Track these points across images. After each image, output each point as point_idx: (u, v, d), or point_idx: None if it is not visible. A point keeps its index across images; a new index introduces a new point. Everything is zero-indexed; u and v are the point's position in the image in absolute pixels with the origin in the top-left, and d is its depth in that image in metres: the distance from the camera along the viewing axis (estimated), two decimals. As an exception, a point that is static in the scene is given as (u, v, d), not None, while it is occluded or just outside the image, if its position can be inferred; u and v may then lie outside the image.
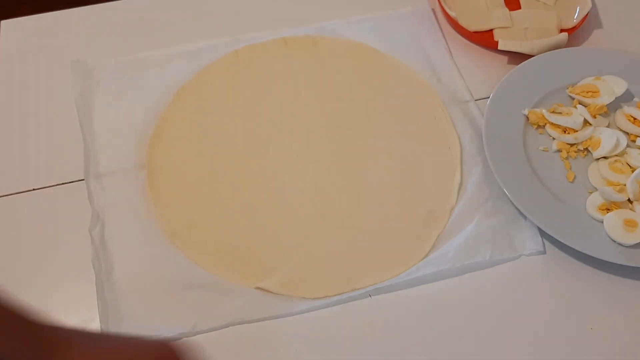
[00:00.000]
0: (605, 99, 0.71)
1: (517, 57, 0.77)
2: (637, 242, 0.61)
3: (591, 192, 0.66)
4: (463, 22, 0.79)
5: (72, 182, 0.67)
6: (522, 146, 0.69)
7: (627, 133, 0.70)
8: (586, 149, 0.69)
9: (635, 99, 0.73)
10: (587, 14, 0.79)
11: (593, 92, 0.72)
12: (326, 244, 0.63)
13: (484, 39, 0.79)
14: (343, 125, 0.72)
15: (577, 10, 0.81)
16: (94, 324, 0.58)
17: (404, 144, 0.70)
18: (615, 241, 0.62)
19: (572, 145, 0.69)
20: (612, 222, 0.62)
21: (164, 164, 0.68)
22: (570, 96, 0.73)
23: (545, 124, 0.70)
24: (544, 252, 0.63)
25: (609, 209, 0.64)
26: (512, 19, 0.81)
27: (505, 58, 0.79)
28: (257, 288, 0.60)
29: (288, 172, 0.68)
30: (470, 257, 0.62)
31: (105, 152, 0.69)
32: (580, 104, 0.72)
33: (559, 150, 0.69)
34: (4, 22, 0.81)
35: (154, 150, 0.69)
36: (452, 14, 0.79)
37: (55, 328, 0.42)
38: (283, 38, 0.79)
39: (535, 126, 0.71)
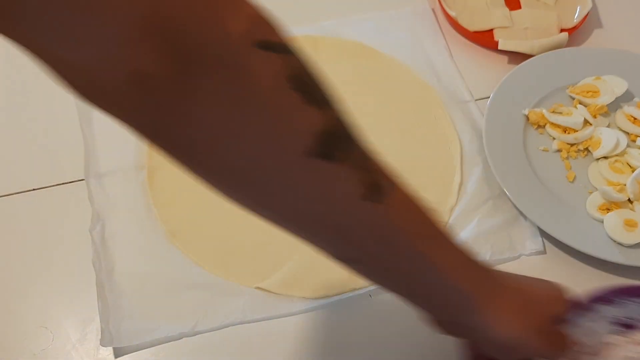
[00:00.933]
0: (605, 99, 0.71)
1: (517, 57, 0.77)
2: (637, 242, 0.61)
3: (591, 192, 0.66)
4: (463, 22, 0.79)
5: (72, 182, 0.67)
6: (522, 146, 0.69)
7: (627, 133, 0.70)
8: (586, 149, 0.69)
9: (635, 99, 0.73)
10: (587, 14, 0.79)
11: (593, 92, 0.72)
12: (326, 244, 0.63)
13: (484, 39, 0.79)
14: (343, 125, 0.72)
15: (577, 10, 0.81)
16: (94, 324, 0.58)
17: (403, 143, 0.70)
18: (615, 241, 0.62)
19: (572, 145, 0.69)
20: (612, 222, 0.62)
21: (164, 164, 0.68)
22: (570, 96, 0.73)
23: (546, 124, 0.70)
24: (544, 252, 0.63)
25: (609, 209, 0.64)
26: (512, 19, 0.81)
27: (505, 58, 0.79)
28: (257, 288, 0.60)
29: (288, 172, 0.68)
30: (470, 257, 0.62)
31: (106, 152, 0.69)
32: (580, 104, 0.72)
33: (559, 150, 0.69)
34: (4, 22, 0.81)
35: (154, 150, 0.69)
36: (452, 14, 0.79)
37: (490, 270, 0.45)
38: (283, 38, 0.79)
39: (536, 126, 0.71)
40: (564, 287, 0.49)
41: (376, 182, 0.35)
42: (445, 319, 0.45)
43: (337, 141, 0.33)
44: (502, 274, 0.47)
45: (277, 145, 0.31)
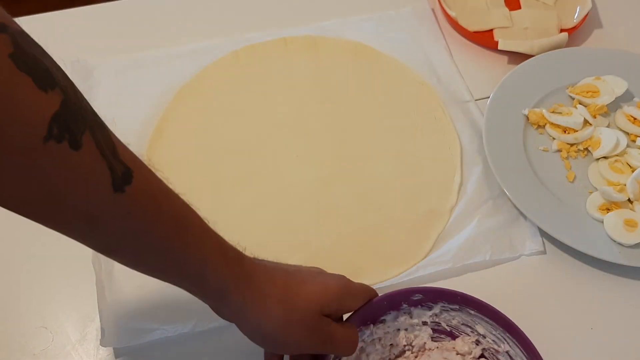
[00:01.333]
0: (605, 99, 0.71)
1: (517, 57, 0.77)
2: (637, 242, 0.61)
3: (591, 192, 0.66)
4: (463, 22, 0.79)
5: (72, 182, 0.67)
6: (522, 146, 0.69)
7: (627, 133, 0.70)
8: (586, 149, 0.69)
9: (635, 99, 0.73)
10: (587, 14, 0.79)
11: (593, 92, 0.72)
12: (326, 244, 0.63)
13: (484, 39, 0.79)
14: (343, 125, 0.72)
15: (577, 10, 0.81)
16: (94, 324, 0.58)
17: (403, 144, 0.70)
18: (615, 241, 0.62)
19: (572, 145, 0.69)
20: (612, 222, 0.62)
21: (164, 164, 0.68)
22: (570, 96, 0.73)
23: (546, 124, 0.70)
24: (544, 252, 0.63)
25: (609, 209, 0.64)
26: (512, 19, 0.81)
27: (505, 58, 0.79)
28: (257, 288, 0.60)
29: (288, 172, 0.68)
30: (470, 257, 0.62)
31: (105, 152, 0.69)
32: (580, 104, 0.72)
33: (559, 150, 0.69)
34: (4, 22, 0.81)
35: (154, 150, 0.69)
36: (452, 14, 0.79)
37: (253, 259, 0.46)
38: (283, 38, 0.79)
39: (535, 126, 0.71)
40: (352, 284, 0.49)
41: (120, 170, 0.35)
42: (213, 307, 0.45)
43: (72, 124, 0.32)
44: (265, 264, 0.47)
45: (10, 132, 0.29)
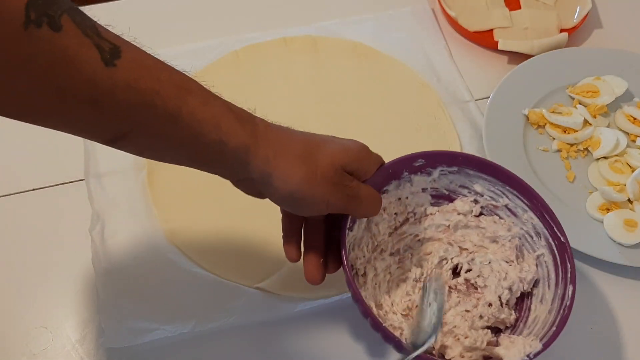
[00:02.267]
0: (605, 99, 0.71)
1: (517, 57, 0.77)
2: (637, 242, 0.61)
3: (591, 192, 0.66)
4: (463, 22, 0.79)
5: (72, 182, 0.67)
6: (522, 146, 0.69)
7: (627, 133, 0.70)
8: (586, 149, 0.69)
9: (635, 99, 0.73)
10: (587, 14, 0.79)
11: (593, 92, 0.72)
12: (326, 244, 0.63)
13: (484, 39, 0.79)
14: (343, 125, 0.71)
15: (577, 10, 0.81)
16: (94, 324, 0.58)
17: (404, 144, 0.70)
18: (615, 241, 0.62)
19: (572, 145, 0.69)
20: (612, 222, 0.62)
21: (164, 164, 0.68)
22: (570, 96, 0.73)
23: (545, 123, 0.70)
24: (544, 252, 0.63)
25: (609, 209, 0.64)
26: (512, 19, 0.81)
27: (505, 58, 0.79)
28: (257, 288, 0.60)
29: (288, 172, 0.68)
30: (470, 257, 0.62)
31: (105, 152, 0.68)
32: (580, 104, 0.72)
33: (559, 150, 0.69)
34: (4, 22, 0.81)
35: (154, 150, 0.69)
36: (452, 14, 0.79)
37: (266, 121, 0.45)
38: (283, 38, 0.79)
39: (535, 126, 0.71)
40: (366, 147, 0.49)
41: (106, 46, 0.35)
42: (235, 178, 0.45)
43: (48, 8, 0.32)
44: (279, 125, 0.46)
45: None
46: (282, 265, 0.61)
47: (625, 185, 0.64)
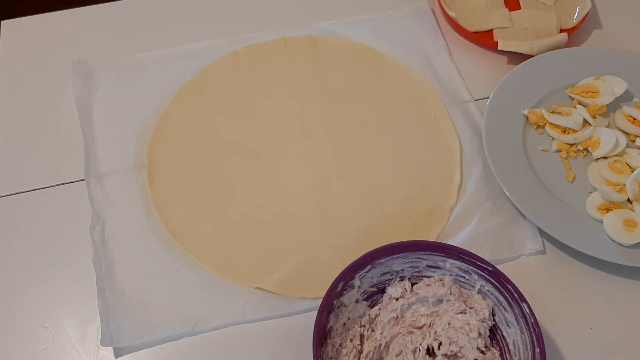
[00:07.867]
0: (605, 99, 0.71)
1: (517, 57, 0.77)
2: (637, 242, 0.61)
3: (591, 192, 0.66)
4: (463, 22, 0.79)
5: (72, 182, 0.67)
6: (522, 146, 0.69)
7: (626, 133, 0.70)
8: (586, 149, 0.69)
9: (635, 99, 0.73)
10: (587, 14, 0.79)
11: (593, 92, 0.72)
12: (326, 243, 0.63)
13: (484, 39, 0.79)
14: (343, 125, 0.72)
15: (577, 10, 0.81)
16: (94, 324, 0.58)
17: (403, 144, 0.70)
18: (615, 241, 0.62)
19: (571, 145, 0.69)
20: (612, 222, 0.62)
21: (164, 164, 0.68)
22: (570, 96, 0.73)
23: (545, 124, 0.71)
24: (544, 252, 0.63)
25: (608, 209, 0.64)
26: (512, 19, 0.81)
27: (505, 58, 0.79)
28: (257, 288, 0.60)
29: (288, 172, 0.68)
30: (470, 257, 0.62)
31: (106, 152, 0.69)
32: (580, 104, 0.72)
33: (559, 150, 0.69)
34: (4, 22, 0.81)
35: (154, 150, 0.69)
36: (452, 14, 0.79)
37: None
38: (283, 38, 0.79)
39: (535, 126, 0.71)
40: None
41: None
42: None
43: None
44: None
45: None
46: (281, 265, 0.62)
47: (624, 185, 0.64)
